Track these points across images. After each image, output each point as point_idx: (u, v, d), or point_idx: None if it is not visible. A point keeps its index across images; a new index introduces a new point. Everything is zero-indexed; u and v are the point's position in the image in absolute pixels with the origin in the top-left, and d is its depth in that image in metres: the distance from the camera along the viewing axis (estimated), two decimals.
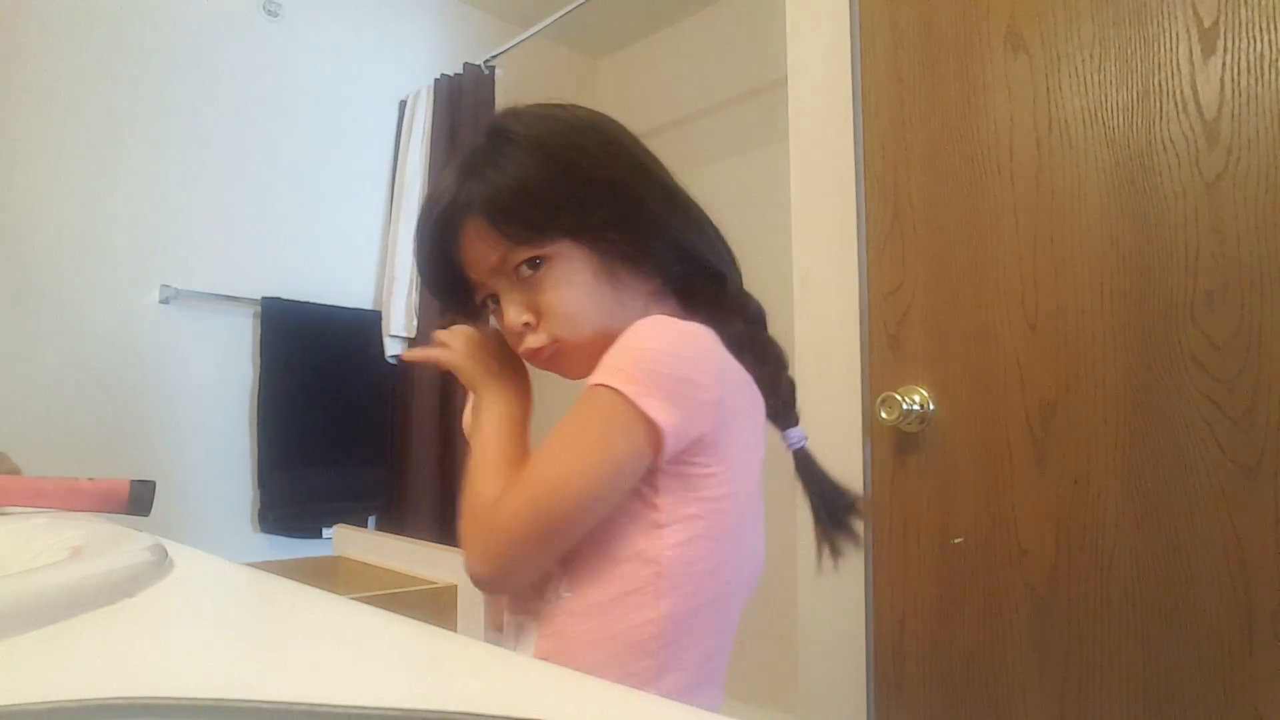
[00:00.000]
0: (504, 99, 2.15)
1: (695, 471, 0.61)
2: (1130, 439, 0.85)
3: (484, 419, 0.67)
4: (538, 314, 0.66)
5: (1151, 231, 0.84)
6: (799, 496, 0.71)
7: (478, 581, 0.62)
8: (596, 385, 0.59)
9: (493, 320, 0.72)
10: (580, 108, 0.70)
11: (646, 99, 2.61)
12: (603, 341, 0.64)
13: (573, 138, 0.68)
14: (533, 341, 0.66)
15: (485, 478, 0.63)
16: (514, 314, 0.67)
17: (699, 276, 0.70)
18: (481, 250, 0.67)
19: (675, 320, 0.63)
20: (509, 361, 0.71)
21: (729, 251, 0.73)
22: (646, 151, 0.71)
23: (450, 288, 0.71)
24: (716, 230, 0.73)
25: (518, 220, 0.65)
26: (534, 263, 0.65)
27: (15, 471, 0.85)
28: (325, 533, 1.96)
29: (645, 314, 0.66)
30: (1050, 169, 0.92)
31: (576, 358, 0.67)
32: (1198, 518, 0.80)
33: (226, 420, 1.94)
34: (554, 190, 0.66)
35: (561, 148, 0.67)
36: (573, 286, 0.66)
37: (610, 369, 0.59)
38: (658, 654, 0.62)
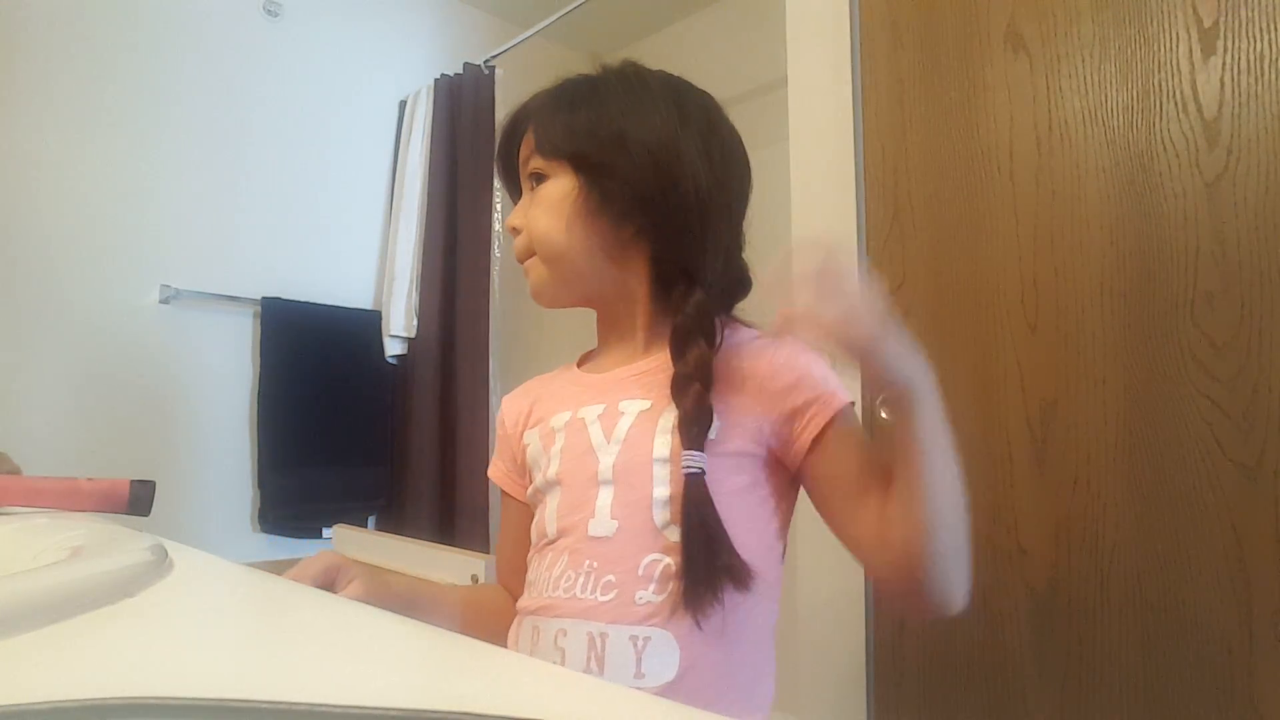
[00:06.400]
0: (504, 99, 2.14)
1: None
2: (1130, 439, 0.84)
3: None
4: (527, 224, 0.71)
5: (1151, 231, 0.84)
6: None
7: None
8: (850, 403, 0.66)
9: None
10: (672, 75, 0.72)
11: None
12: (568, 271, 0.69)
13: (622, 87, 0.69)
14: (517, 244, 0.72)
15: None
16: (512, 216, 0.73)
17: (672, 262, 0.68)
18: (522, 150, 0.73)
19: None
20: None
21: (728, 260, 0.69)
22: (710, 133, 0.68)
23: (511, 178, 0.77)
24: (733, 236, 0.70)
25: (547, 132, 0.70)
26: (539, 178, 0.71)
27: (15, 471, 0.85)
28: (325, 532, 1.96)
29: (619, 270, 0.70)
30: (1050, 169, 0.92)
31: (540, 276, 0.71)
32: (1198, 518, 0.80)
33: (226, 420, 1.94)
34: (577, 118, 0.69)
35: (609, 91, 0.69)
36: (552, 208, 0.69)
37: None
38: (773, 644, 0.67)
